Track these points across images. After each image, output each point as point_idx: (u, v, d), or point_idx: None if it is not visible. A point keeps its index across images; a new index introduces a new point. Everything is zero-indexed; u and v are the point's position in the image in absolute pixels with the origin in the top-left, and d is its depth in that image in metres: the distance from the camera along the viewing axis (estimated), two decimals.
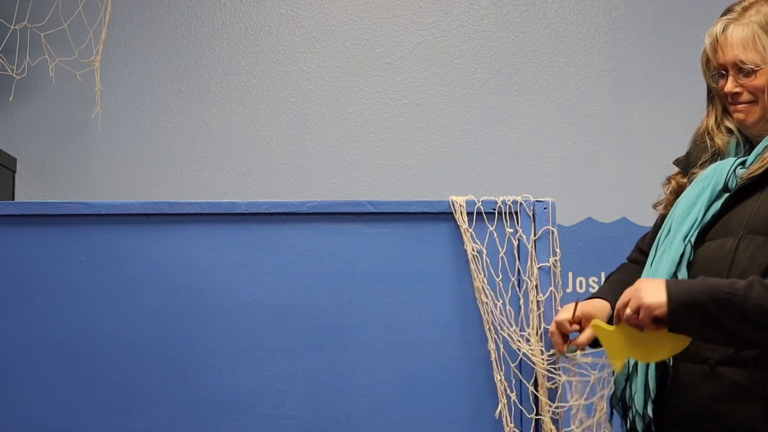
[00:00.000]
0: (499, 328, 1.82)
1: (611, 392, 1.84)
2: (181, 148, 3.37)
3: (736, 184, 1.76)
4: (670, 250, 1.77)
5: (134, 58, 3.41)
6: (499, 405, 1.81)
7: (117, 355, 1.84)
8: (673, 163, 1.95)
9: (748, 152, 1.84)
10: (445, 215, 1.86)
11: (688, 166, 1.90)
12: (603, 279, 3.24)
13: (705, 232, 1.77)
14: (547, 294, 1.85)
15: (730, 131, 1.86)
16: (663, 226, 1.84)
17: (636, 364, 1.77)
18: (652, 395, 1.73)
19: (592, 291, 3.24)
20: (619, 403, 1.82)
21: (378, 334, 1.85)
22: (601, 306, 1.85)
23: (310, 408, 1.83)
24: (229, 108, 3.39)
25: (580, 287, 3.24)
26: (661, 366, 1.74)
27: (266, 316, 1.85)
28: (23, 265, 1.87)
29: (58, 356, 1.84)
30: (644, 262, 1.89)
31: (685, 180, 1.89)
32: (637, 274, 1.86)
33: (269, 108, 3.40)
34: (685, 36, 3.38)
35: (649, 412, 1.73)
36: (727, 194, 1.76)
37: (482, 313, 1.83)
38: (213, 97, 3.40)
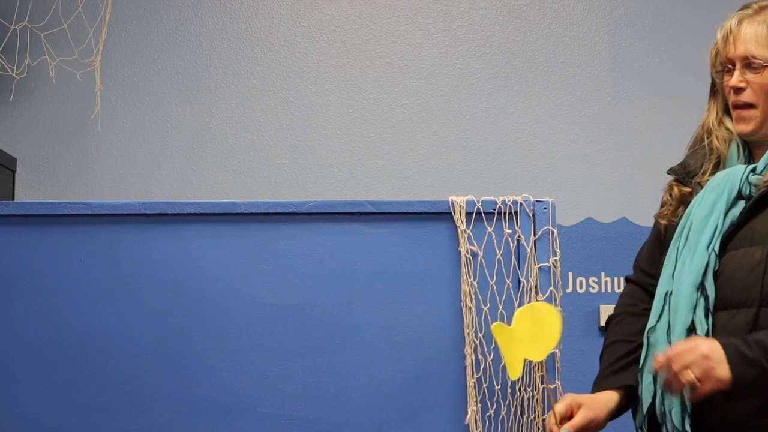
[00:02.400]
0: (479, 331, 1.83)
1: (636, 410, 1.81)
2: (181, 148, 3.37)
3: (750, 191, 1.75)
4: (692, 260, 1.75)
5: (134, 58, 3.41)
6: (469, 411, 1.81)
7: (117, 355, 1.84)
8: (668, 172, 1.92)
9: (748, 158, 1.83)
10: (445, 215, 1.86)
11: (687, 174, 1.88)
12: (603, 279, 3.24)
13: (726, 241, 1.75)
14: (547, 294, 1.85)
15: (729, 131, 1.85)
16: (678, 237, 1.81)
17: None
18: (689, 409, 1.70)
19: (592, 291, 3.25)
20: (645, 420, 1.78)
21: (378, 334, 1.85)
22: (603, 399, 1.82)
23: (310, 408, 1.83)
24: (229, 108, 3.39)
25: (580, 287, 3.24)
26: None
27: (266, 316, 1.85)
28: (23, 265, 1.87)
29: (58, 356, 1.84)
30: (649, 284, 1.88)
31: (688, 189, 1.86)
32: (642, 302, 1.87)
33: (269, 108, 3.40)
34: (685, 36, 3.38)
35: (687, 427, 1.70)
36: (741, 201, 1.76)
37: (464, 317, 1.83)
38: (213, 97, 3.40)
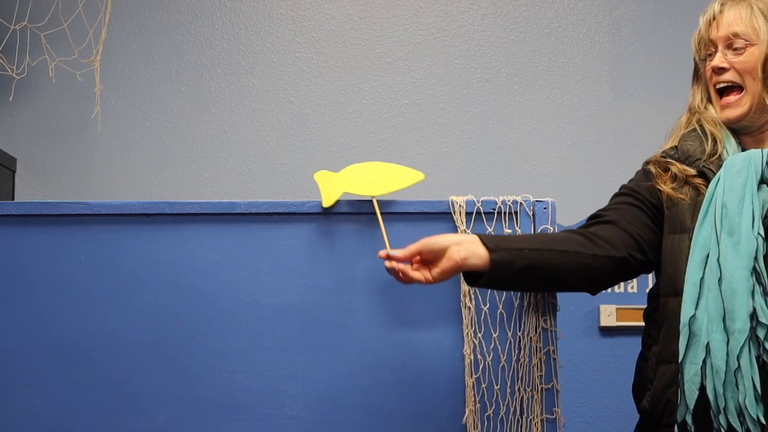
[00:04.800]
0: (478, 331, 1.83)
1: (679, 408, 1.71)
2: (181, 148, 3.37)
3: None
4: (739, 244, 1.68)
5: (134, 58, 3.41)
6: (466, 410, 1.81)
7: (117, 354, 1.84)
8: (662, 155, 1.89)
9: (738, 145, 1.82)
10: (445, 215, 1.86)
11: (687, 159, 1.85)
12: None
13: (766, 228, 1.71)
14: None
15: (715, 118, 1.85)
16: (705, 221, 1.74)
17: (736, 370, 1.64)
18: (760, 393, 1.62)
19: None
20: (688, 414, 1.69)
21: (378, 334, 1.85)
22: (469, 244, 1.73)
23: (310, 408, 1.83)
24: (229, 108, 3.40)
25: None
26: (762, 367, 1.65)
27: (266, 316, 1.85)
28: (23, 265, 1.87)
29: (59, 356, 1.84)
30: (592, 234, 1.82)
31: (691, 171, 1.83)
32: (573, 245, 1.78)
33: (269, 108, 3.40)
34: (685, 36, 3.36)
35: (761, 417, 1.62)
36: (764, 185, 1.72)
37: (463, 317, 1.83)
38: (213, 97, 3.40)
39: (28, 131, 3.38)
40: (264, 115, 3.39)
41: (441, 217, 1.86)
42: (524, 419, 1.82)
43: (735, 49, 1.79)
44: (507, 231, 1.85)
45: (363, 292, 1.85)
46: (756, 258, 1.67)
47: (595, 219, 1.91)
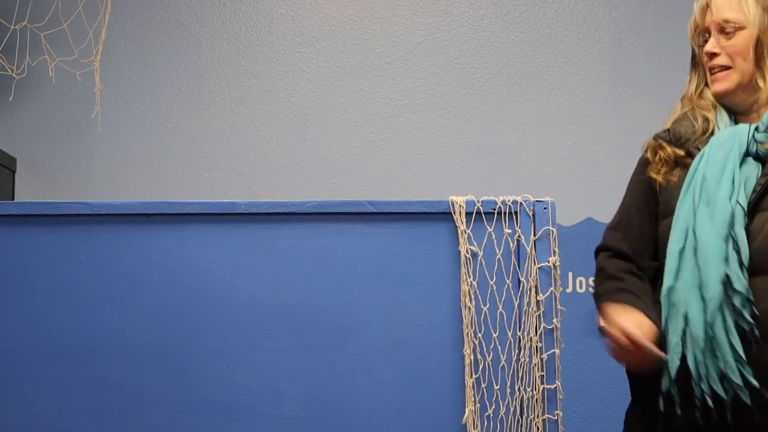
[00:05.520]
0: (478, 331, 1.83)
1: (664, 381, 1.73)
2: (181, 148, 3.37)
3: (757, 149, 1.76)
4: (714, 212, 1.71)
5: (134, 58, 3.41)
6: (466, 410, 1.81)
7: (117, 354, 1.84)
8: (655, 137, 1.92)
9: (735, 123, 1.85)
10: (445, 215, 1.86)
11: (678, 140, 1.87)
12: None
13: (754, 203, 1.73)
14: (547, 294, 1.85)
15: (709, 101, 1.89)
16: (686, 193, 1.77)
17: (712, 337, 1.67)
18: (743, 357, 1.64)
19: (592, 291, 3.24)
20: (672, 384, 1.71)
21: (378, 334, 1.85)
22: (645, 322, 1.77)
23: (310, 408, 1.83)
24: (229, 108, 3.39)
25: (580, 287, 3.24)
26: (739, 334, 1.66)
27: (266, 316, 1.85)
28: (23, 265, 1.87)
29: (59, 356, 1.84)
30: (649, 267, 1.85)
31: (681, 151, 1.86)
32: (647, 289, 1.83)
33: (269, 108, 3.40)
34: (685, 36, 3.37)
35: (752, 379, 1.64)
36: (750, 158, 1.75)
37: (463, 317, 1.83)
38: (213, 97, 3.40)
39: (28, 131, 3.38)
40: (264, 115, 3.39)
41: (441, 217, 1.86)
42: (524, 419, 1.82)
43: (726, 33, 1.84)
44: (507, 231, 1.86)
45: (363, 292, 1.85)
46: (732, 225, 1.69)
47: (628, 254, 1.91)
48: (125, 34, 3.41)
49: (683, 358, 1.70)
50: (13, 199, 3.30)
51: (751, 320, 1.64)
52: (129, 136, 3.37)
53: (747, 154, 1.76)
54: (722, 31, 1.85)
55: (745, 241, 1.68)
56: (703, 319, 1.68)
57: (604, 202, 3.36)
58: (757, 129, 1.78)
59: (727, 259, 1.68)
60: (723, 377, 1.66)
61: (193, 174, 3.36)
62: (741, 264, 1.67)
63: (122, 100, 3.38)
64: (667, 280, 1.75)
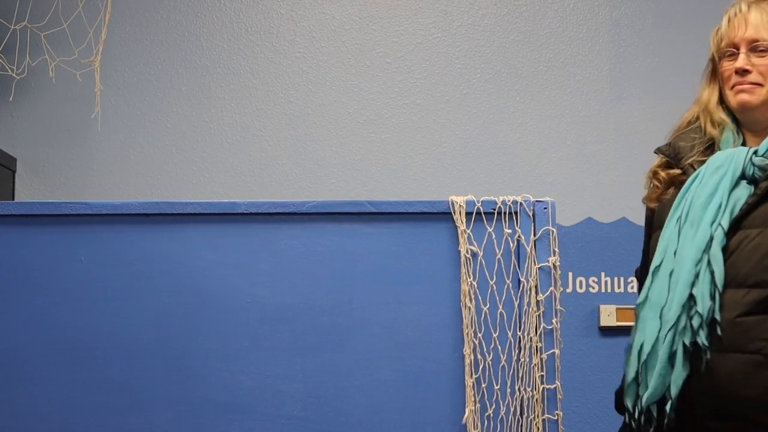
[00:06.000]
0: (478, 331, 1.83)
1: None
2: (181, 148, 3.37)
3: (753, 173, 1.77)
4: (695, 236, 1.75)
5: (134, 58, 3.41)
6: (466, 410, 1.81)
7: (117, 354, 1.84)
8: (656, 151, 1.95)
9: (743, 144, 1.85)
10: (445, 215, 1.86)
11: (676, 155, 1.90)
12: (603, 279, 3.24)
13: (739, 220, 1.76)
14: (547, 294, 1.85)
15: (724, 118, 1.88)
16: (674, 214, 1.82)
17: (647, 360, 1.75)
18: (676, 388, 1.73)
19: (592, 291, 3.25)
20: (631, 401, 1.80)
21: (378, 334, 1.85)
22: None
23: (310, 408, 1.83)
24: (229, 108, 3.40)
25: (580, 287, 3.24)
26: (685, 356, 1.73)
27: (266, 316, 1.85)
28: (23, 265, 1.87)
29: (59, 356, 1.84)
30: None
31: (677, 171, 1.89)
32: None
33: (269, 108, 3.40)
34: (685, 36, 3.38)
35: (668, 408, 1.73)
36: (745, 182, 1.77)
37: (463, 317, 1.83)
38: (213, 97, 3.40)
39: (28, 131, 3.38)
40: (264, 115, 3.39)
41: (441, 217, 1.86)
42: (524, 419, 1.82)
43: (758, 51, 1.83)
44: (507, 231, 1.86)
45: (363, 292, 1.85)
46: (709, 248, 1.73)
47: None
48: (125, 34, 3.41)
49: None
50: (13, 199, 3.30)
51: (705, 342, 1.69)
52: (129, 136, 3.37)
53: (742, 177, 1.78)
54: (754, 49, 1.83)
55: (721, 260, 1.72)
56: (655, 337, 1.75)
57: (604, 202, 3.37)
58: (756, 152, 1.79)
59: (695, 282, 1.72)
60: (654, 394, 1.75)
61: (193, 174, 3.36)
62: (713, 284, 1.71)
63: (122, 100, 3.38)
64: (640, 295, 1.82)
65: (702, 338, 1.70)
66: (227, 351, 1.84)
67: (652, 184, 1.95)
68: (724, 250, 1.73)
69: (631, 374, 1.80)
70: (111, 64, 3.34)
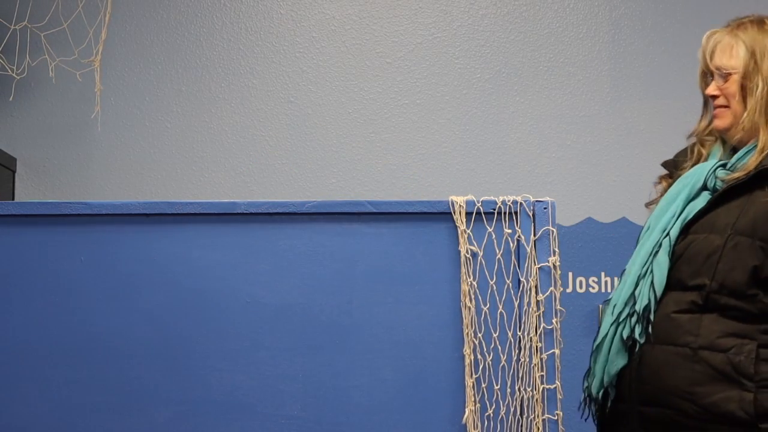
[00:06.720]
0: (478, 331, 1.83)
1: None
2: (181, 148, 3.37)
3: (715, 184, 1.93)
4: (647, 242, 1.94)
5: (134, 58, 3.41)
6: (466, 410, 1.81)
7: (117, 354, 1.84)
8: (662, 164, 2.11)
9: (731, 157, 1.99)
10: (445, 215, 1.86)
11: (675, 169, 2.06)
12: (603, 279, 3.24)
13: (689, 226, 1.92)
14: (547, 294, 1.85)
15: (713, 137, 2.05)
16: (646, 222, 2.01)
17: (595, 352, 1.97)
18: (608, 377, 1.93)
19: (592, 291, 3.25)
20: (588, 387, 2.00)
21: (378, 334, 1.85)
22: None
23: (310, 408, 1.83)
24: (229, 108, 3.40)
25: (580, 287, 3.24)
26: (622, 348, 1.92)
27: (266, 316, 1.85)
28: (23, 265, 1.87)
29: (58, 356, 1.84)
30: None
31: (672, 181, 2.04)
32: None
33: (269, 108, 3.40)
34: (685, 36, 3.38)
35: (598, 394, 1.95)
36: (706, 193, 1.94)
37: (463, 317, 1.83)
38: (213, 97, 3.40)
39: (28, 131, 3.38)
40: (264, 115, 3.39)
41: (441, 217, 1.86)
42: (524, 419, 1.82)
43: (723, 77, 1.98)
44: (507, 231, 1.86)
45: (363, 292, 1.85)
46: (655, 254, 1.92)
47: None
48: (125, 34, 3.41)
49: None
50: (13, 199, 3.30)
51: (638, 336, 1.89)
52: (129, 136, 3.37)
53: (704, 188, 1.94)
54: (720, 75, 1.98)
55: (663, 264, 1.90)
56: (606, 332, 1.95)
57: (604, 202, 3.37)
58: (724, 165, 1.95)
59: (639, 284, 1.92)
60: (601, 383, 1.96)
61: (193, 174, 3.36)
62: (652, 286, 1.90)
63: (122, 100, 3.38)
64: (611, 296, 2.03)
65: (637, 332, 1.89)
66: (227, 351, 1.84)
67: (657, 192, 2.10)
68: (674, 254, 1.91)
69: (590, 363, 2.00)
70: (111, 64, 3.34)
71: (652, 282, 1.90)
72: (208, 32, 3.43)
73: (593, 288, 3.24)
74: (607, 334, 1.95)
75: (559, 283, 1.87)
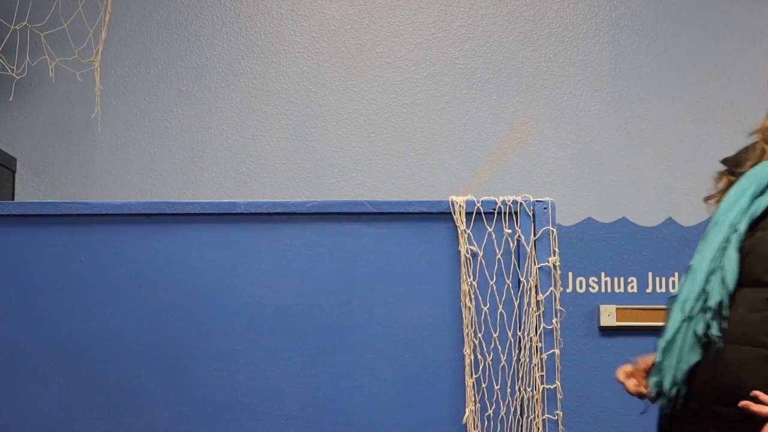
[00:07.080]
0: (478, 331, 1.83)
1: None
2: (181, 148, 3.37)
3: None
4: (715, 238, 1.88)
5: (134, 58, 3.41)
6: (466, 410, 1.81)
7: (117, 354, 1.84)
8: (722, 161, 2.06)
9: None
10: (445, 215, 1.86)
11: (736, 165, 2.01)
12: (603, 279, 3.24)
13: (756, 223, 1.86)
14: (547, 294, 1.85)
15: None
16: (711, 218, 1.95)
17: (666, 348, 1.88)
18: (681, 374, 1.85)
19: (592, 291, 3.25)
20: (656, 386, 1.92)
21: (378, 334, 1.85)
22: None
23: (310, 408, 1.83)
24: (229, 108, 3.39)
25: (580, 287, 3.24)
26: (696, 345, 1.85)
27: (266, 316, 1.85)
28: (23, 265, 1.87)
29: (58, 356, 1.84)
30: None
31: (734, 178, 1.99)
32: None
33: (269, 108, 3.40)
34: (685, 36, 3.38)
35: (672, 390, 1.86)
36: None
37: (463, 317, 1.83)
38: (213, 97, 3.40)
39: (28, 131, 3.38)
40: (264, 115, 3.39)
41: (441, 217, 1.86)
42: (524, 419, 1.82)
43: None
44: (507, 231, 1.86)
45: (363, 292, 1.85)
46: (725, 248, 1.85)
47: None
48: (125, 34, 3.41)
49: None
50: (13, 199, 3.30)
51: (717, 333, 1.82)
52: (129, 136, 3.37)
53: None
54: None
55: (734, 259, 1.83)
56: (676, 327, 1.87)
57: (604, 202, 3.37)
58: None
59: (710, 279, 1.85)
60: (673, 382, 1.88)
61: (193, 174, 3.36)
62: (723, 281, 1.83)
63: (122, 100, 3.38)
64: (677, 292, 1.94)
65: (714, 330, 1.81)
66: (227, 351, 1.84)
67: (715, 187, 2.06)
68: (742, 250, 1.84)
69: (656, 360, 1.91)
70: (111, 64, 3.34)
71: (723, 278, 1.85)
72: (208, 32, 3.43)
73: (593, 288, 3.24)
74: (678, 329, 1.88)
75: (559, 283, 1.87)
